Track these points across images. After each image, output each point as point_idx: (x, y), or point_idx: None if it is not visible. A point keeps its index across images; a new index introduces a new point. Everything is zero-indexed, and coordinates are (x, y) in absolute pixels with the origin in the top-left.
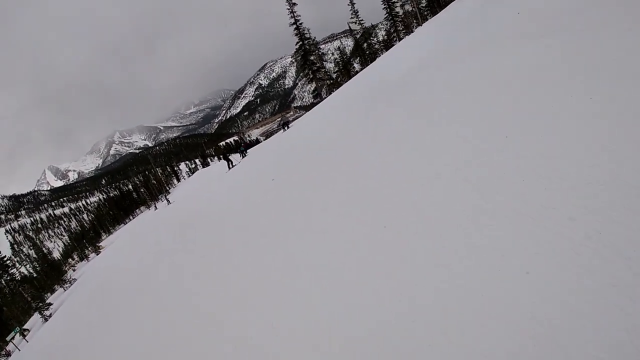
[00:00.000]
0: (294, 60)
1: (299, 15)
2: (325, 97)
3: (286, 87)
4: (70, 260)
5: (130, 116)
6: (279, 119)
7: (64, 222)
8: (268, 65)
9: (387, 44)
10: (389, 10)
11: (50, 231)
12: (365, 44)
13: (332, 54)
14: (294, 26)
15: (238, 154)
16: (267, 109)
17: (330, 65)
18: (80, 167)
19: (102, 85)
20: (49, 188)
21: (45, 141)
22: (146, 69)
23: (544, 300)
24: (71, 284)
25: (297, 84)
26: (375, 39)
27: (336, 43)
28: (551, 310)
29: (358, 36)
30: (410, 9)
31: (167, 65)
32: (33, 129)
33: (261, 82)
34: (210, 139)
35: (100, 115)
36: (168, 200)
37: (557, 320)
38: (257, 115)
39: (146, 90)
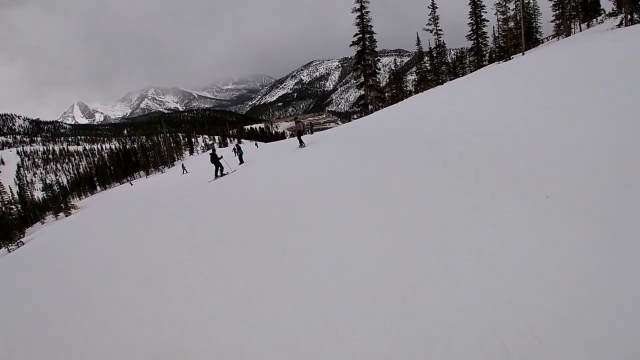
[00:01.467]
0: (339, 65)
1: (367, 2)
2: (372, 111)
3: (325, 89)
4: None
5: (169, 76)
6: (294, 119)
7: (75, 159)
8: (314, 63)
9: (454, 70)
10: (475, 19)
11: (58, 164)
12: (433, 61)
13: (379, 68)
14: (358, 13)
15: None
16: (301, 105)
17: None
18: (108, 111)
19: (151, 40)
20: (73, 122)
21: (81, 76)
22: (198, 36)
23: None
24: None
25: (337, 89)
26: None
27: (385, 60)
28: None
29: (430, 46)
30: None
31: (218, 37)
32: (74, 62)
33: (303, 77)
34: (238, 119)
35: (139, 68)
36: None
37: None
38: (290, 109)
39: (192, 56)
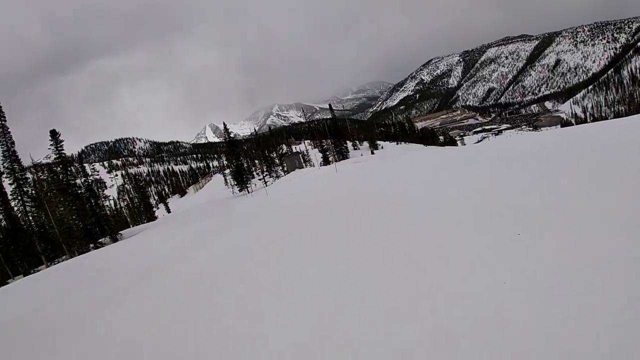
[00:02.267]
0: (461, 60)
1: None
2: None
3: (449, 86)
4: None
5: (291, 93)
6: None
7: (174, 180)
8: (433, 61)
9: None
10: None
11: (159, 185)
12: None
13: (506, 57)
14: None
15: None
16: (425, 106)
17: (504, 70)
18: (237, 130)
19: (280, 60)
20: (206, 142)
21: (216, 101)
22: (320, 54)
23: None
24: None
25: (462, 84)
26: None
27: (511, 47)
28: None
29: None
30: None
31: (339, 52)
32: (218, 87)
33: (423, 77)
34: (361, 125)
35: (263, 88)
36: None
37: None
38: (413, 111)
39: (309, 73)
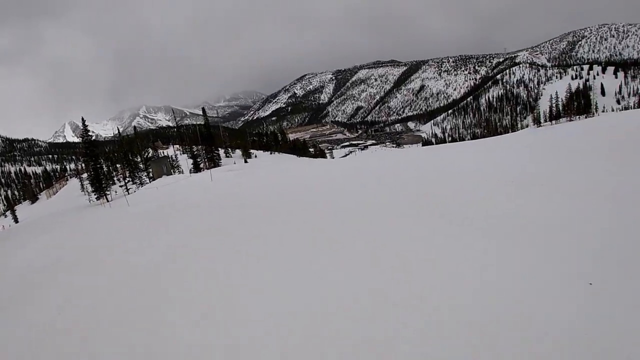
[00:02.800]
0: (334, 78)
1: None
2: None
3: (321, 101)
4: None
5: (160, 95)
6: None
7: (25, 183)
8: (307, 76)
9: None
10: None
11: (10, 190)
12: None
13: (376, 79)
14: None
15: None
16: (296, 119)
17: (372, 90)
18: (99, 129)
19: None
20: (64, 141)
21: (79, 97)
22: (196, 58)
23: None
24: None
25: (333, 101)
26: None
27: (381, 70)
28: None
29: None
30: None
31: (214, 58)
32: (76, 80)
33: (296, 91)
34: (232, 134)
35: (131, 87)
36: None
37: None
38: (285, 123)
39: (183, 75)
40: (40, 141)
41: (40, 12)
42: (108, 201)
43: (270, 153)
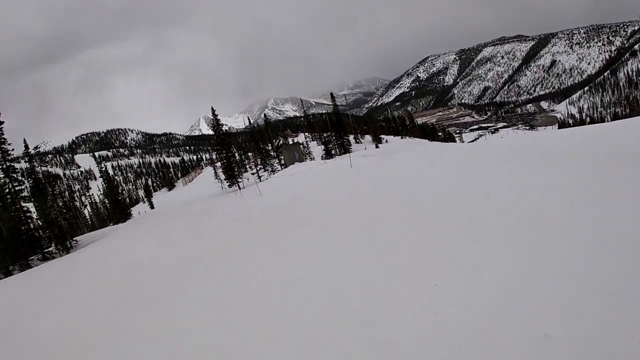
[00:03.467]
0: (457, 58)
1: None
2: None
3: (445, 84)
4: None
5: (286, 87)
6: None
7: (164, 172)
8: (429, 59)
9: None
10: None
11: (151, 177)
12: None
13: (502, 57)
14: None
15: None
16: (421, 103)
17: (499, 69)
18: (231, 122)
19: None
20: (199, 134)
21: (211, 94)
22: (316, 48)
23: None
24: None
25: (458, 82)
26: None
27: (507, 47)
28: None
29: None
30: None
31: (335, 47)
32: (211, 78)
33: (419, 74)
34: (358, 120)
35: (258, 81)
36: None
37: None
38: (409, 108)
39: (305, 67)
40: (178, 135)
41: (167, 21)
42: (240, 189)
43: (401, 137)
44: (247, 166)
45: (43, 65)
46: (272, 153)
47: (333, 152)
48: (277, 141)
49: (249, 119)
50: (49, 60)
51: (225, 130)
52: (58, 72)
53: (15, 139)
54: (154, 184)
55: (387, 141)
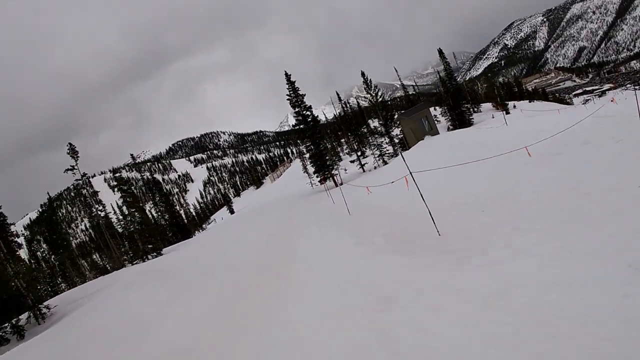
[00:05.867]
0: (545, 19)
1: None
2: None
3: (536, 49)
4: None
5: (368, 72)
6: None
7: (257, 169)
8: (515, 24)
9: None
10: None
11: (244, 175)
12: None
13: (593, 12)
14: None
15: None
16: (512, 72)
17: (592, 26)
18: (320, 114)
19: (358, 39)
20: (288, 129)
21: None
22: (394, 29)
23: None
24: None
25: (550, 46)
26: None
27: (597, 0)
28: None
29: None
30: None
31: (413, 26)
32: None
33: (507, 42)
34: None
35: (340, 71)
36: None
37: None
38: (500, 79)
39: (386, 50)
40: (268, 132)
41: (245, 23)
42: (337, 184)
43: (530, 101)
44: (341, 154)
45: (138, 82)
46: (380, 129)
47: (451, 124)
48: (386, 112)
49: (337, 94)
50: (143, 76)
51: (310, 119)
52: (152, 86)
53: (118, 150)
54: (243, 182)
55: (514, 106)
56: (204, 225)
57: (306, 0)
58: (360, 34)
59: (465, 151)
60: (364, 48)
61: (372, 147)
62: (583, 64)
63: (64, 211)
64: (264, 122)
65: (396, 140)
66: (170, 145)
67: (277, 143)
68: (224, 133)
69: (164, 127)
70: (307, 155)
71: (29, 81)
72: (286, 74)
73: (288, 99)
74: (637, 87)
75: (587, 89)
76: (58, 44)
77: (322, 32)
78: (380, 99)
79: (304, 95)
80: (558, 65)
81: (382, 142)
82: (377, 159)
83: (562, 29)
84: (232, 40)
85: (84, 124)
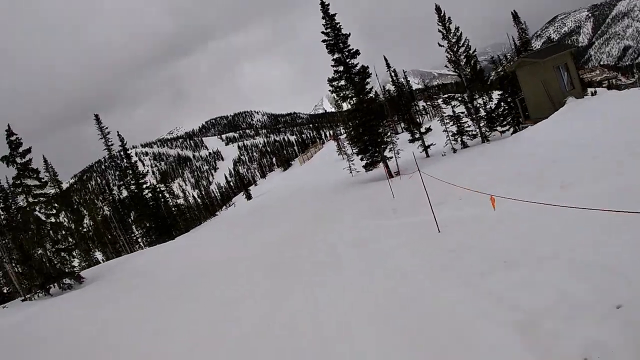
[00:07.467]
0: (590, 15)
1: None
2: None
3: (580, 44)
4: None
5: (407, 59)
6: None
7: (288, 150)
8: (559, 17)
9: None
10: None
11: (268, 156)
12: None
13: None
14: None
15: None
16: None
17: (639, 25)
18: None
19: (392, 28)
20: (323, 112)
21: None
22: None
23: None
24: None
25: (594, 42)
26: None
27: None
28: None
29: None
30: None
31: (455, 12)
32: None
33: (550, 35)
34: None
35: (379, 56)
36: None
37: None
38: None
39: (425, 37)
40: (302, 114)
41: (287, 8)
42: (391, 174)
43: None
44: (392, 134)
45: (177, 57)
46: (464, 97)
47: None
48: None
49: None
50: (183, 52)
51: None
52: (191, 63)
53: (154, 125)
54: (269, 163)
55: (595, 92)
56: (223, 208)
57: None
58: (402, 20)
59: None
60: (403, 35)
61: (445, 120)
62: (627, 63)
63: (93, 183)
64: (299, 105)
65: (492, 105)
66: (204, 123)
67: (311, 125)
68: (257, 113)
69: (199, 104)
70: (344, 135)
71: (70, 55)
72: (322, 3)
73: (324, 41)
74: None
75: (632, 89)
76: (99, 20)
77: (364, 17)
78: (463, 44)
79: (349, 35)
80: (602, 62)
81: (461, 115)
82: (451, 138)
83: (607, 26)
84: (273, 23)
85: (122, 99)
